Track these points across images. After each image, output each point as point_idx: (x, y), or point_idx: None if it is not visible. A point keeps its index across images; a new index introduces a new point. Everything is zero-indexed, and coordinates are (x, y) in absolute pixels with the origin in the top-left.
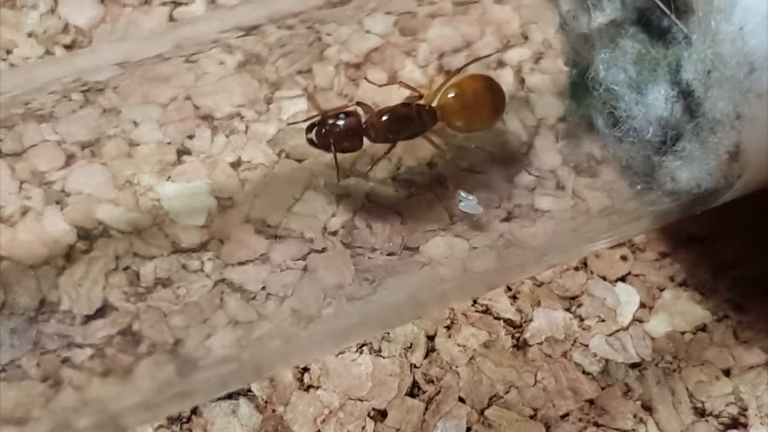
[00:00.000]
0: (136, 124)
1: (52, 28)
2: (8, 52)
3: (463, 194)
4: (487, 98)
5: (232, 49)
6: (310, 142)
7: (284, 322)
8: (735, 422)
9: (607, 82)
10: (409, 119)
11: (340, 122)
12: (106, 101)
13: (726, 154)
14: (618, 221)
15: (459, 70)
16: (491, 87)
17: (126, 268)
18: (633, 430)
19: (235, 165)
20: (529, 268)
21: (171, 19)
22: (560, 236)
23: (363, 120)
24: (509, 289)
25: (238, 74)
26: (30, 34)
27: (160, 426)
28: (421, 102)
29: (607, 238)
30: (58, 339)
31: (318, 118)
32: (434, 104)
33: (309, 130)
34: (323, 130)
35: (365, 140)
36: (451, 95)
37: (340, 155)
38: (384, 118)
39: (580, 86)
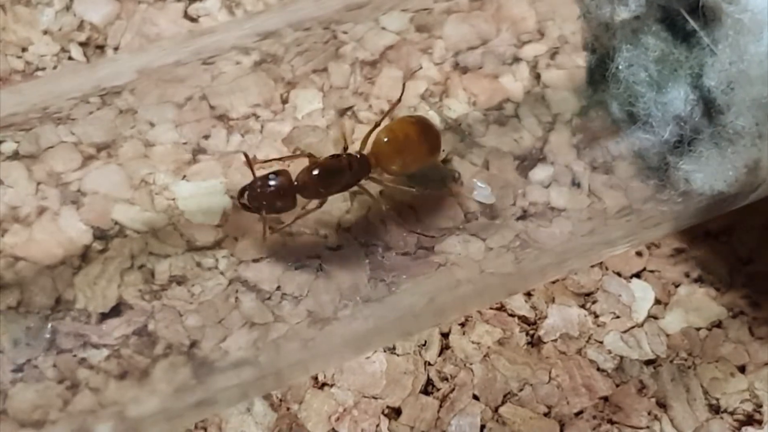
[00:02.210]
0: (152, 124)
1: (67, 25)
2: (23, 49)
3: (478, 183)
4: (420, 138)
5: (248, 50)
6: (243, 206)
7: (300, 323)
8: (750, 419)
9: (628, 80)
10: (340, 171)
11: (271, 183)
12: (122, 102)
13: (744, 167)
14: (636, 224)
15: (385, 114)
16: (423, 127)
17: (141, 267)
18: (647, 427)
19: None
20: (549, 274)
21: (186, 15)
22: (578, 238)
23: (294, 178)
24: None
25: (254, 73)
26: (45, 32)
27: None
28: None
29: (627, 243)
30: (74, 338)
31: (248, 181)
32: (366, 151)
33: (241, 194)
34: (254, 194)
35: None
36: (383, 140)
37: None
38: (315, 173)
39: (598, 72)
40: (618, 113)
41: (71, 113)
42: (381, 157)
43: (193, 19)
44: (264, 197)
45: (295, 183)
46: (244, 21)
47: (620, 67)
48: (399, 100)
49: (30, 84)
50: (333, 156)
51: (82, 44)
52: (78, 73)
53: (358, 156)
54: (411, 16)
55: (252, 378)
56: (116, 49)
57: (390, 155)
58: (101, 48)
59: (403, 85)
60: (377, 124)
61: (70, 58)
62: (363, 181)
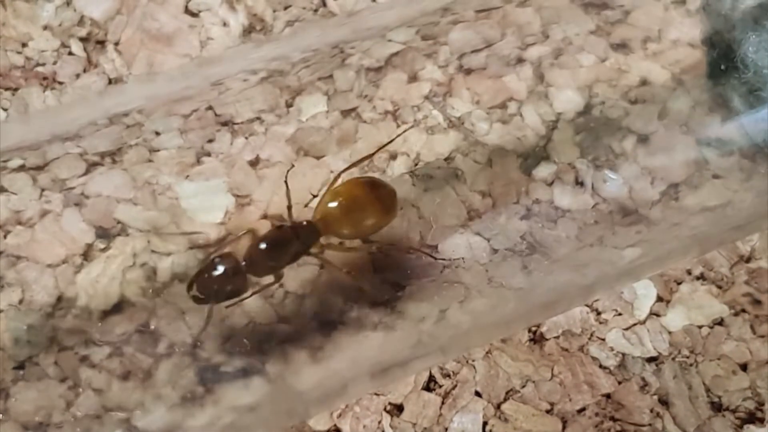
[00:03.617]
0: (157, 133)
1: (67, 20)
2: (23, 45)
3: (610, 174)
4: (371, 198)
5: (256, 71)
6: (195, 299)
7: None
8: (752, 417)
9: (756, 65)
10: (287, 242)
11: (218, 269)
12: (130, 119)
13: None
14: (649, 235)
15: (336, 178)
16: (373, 186)
17: (143, 265)
18: (650, 424)
19: (254, 163)
20: (564, 295)
21: (187, 10)
22: (587, 251)
23: (240, 258)
24: None
25: (260, 85)
26: (45, 27)
27: None
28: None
29: (643, 262)
30: (75, 335)
31: (195, 274)
32: (315, 218)
33: (189, 287)
34: (203, 283)
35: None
36: (330, 204)
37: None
38: (261, 248)
39: (718, 65)
40: (740, 105)
41: (79, 132)
42: (329, 222)
43: (194, 14)
44: (214, 284)
45: (243, 263)
46: (252, 51)
47: (748, 53)
48: (357, 162)
49: (38, 114)
50: (277, 227)
51: (83, 39)
52: (87, 103)
53: (304, 223)
54: (417, 29)
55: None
56: (117, 44)
57: (338, 219)
58: (102, 43)
59: (364, 158)
60: (329, 187)
61: (70, 53)
62: (316, 249)
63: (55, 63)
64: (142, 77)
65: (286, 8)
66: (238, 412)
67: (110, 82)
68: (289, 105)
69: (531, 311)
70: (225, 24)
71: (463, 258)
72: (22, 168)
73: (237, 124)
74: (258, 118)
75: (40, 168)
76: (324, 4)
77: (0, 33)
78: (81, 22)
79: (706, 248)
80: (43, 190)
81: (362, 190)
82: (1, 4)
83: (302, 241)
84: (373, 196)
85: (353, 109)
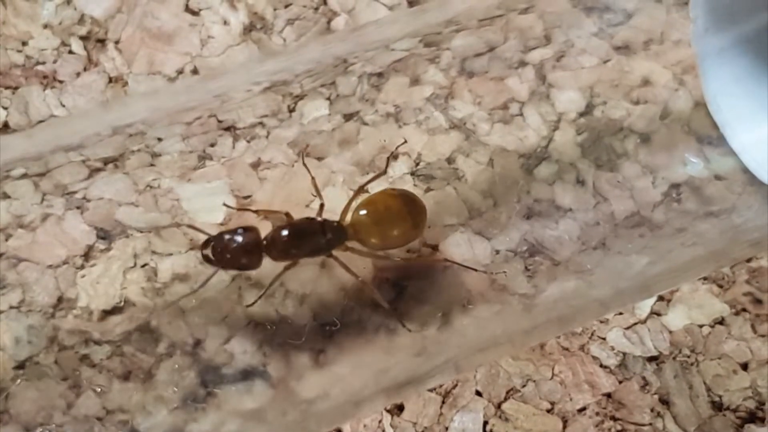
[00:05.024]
0: (159, 139)
1: (67, 19)
2: (24, 43)
3: (691, 158)
4: (403, 212)
5: (259, 83)
6: (206, 258)
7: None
8: (752, 416)
9: None
10: (312, 235)
11: (238, 239)
12: (133, 129)
13: None
14: (654, 241)
15: (365, 184)
16: (407, 201)
17: (144, 265)
18: (650, 424)
19: (255, 165)
20: (574, 310)
21: (187, 8)
22: (591, 254)
23: (263, 236)
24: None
25: (263, 93)
26: (46, 26)
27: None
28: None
29: (655, 273)
30: (76, 335)
31: (216, 234)
32: (346, 221)
33: (205, 246)
34: (219, 247)
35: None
36: (363, 212)
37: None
38: (285, 233)
39: None
40: None
41: (82, 143)
42: (359, 229)
43: (195, 13)
44: (229, 252)
45: (264, 241)
46: (256, 65)
47: None
48: (384, 171)
49: (41, 128)
50: (308, 218)
51: (83, 38)
52: (90, 117)
53: (335, 224)
54: (420, 38)
55: None
56: (117, 42)
57: (369, 228)
58: (102, 42)
59: (387, 159)
60: (358, 192)
61: (70, 52)
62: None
63: (55, 62)
64: (145, 91)
65: (286, 6)
66: (243, 418)
67: (110, 80)
68: (291, 110)
69: (542, 324)
70: (225, 22)
71: (505, 271)
72: (24, 176)
73: (239, 128)
74: (260, 123)
75: (42, 174)
76: (325, 3)
77: (0, 31)
78: (81, 20)
79: (722, 262)
80: (44, 194)
81: (396, 202)
82: (2, 3)
83: (327, 238)
84: (405, 210)
85: (355, 113)
